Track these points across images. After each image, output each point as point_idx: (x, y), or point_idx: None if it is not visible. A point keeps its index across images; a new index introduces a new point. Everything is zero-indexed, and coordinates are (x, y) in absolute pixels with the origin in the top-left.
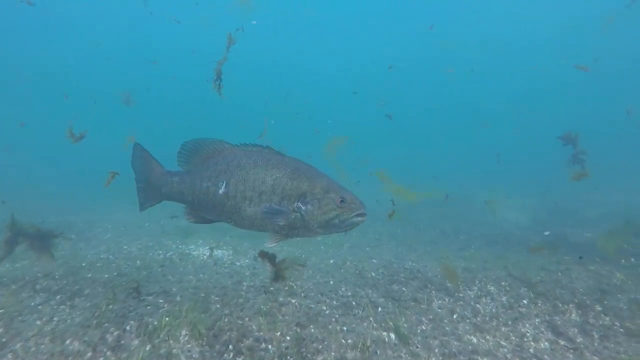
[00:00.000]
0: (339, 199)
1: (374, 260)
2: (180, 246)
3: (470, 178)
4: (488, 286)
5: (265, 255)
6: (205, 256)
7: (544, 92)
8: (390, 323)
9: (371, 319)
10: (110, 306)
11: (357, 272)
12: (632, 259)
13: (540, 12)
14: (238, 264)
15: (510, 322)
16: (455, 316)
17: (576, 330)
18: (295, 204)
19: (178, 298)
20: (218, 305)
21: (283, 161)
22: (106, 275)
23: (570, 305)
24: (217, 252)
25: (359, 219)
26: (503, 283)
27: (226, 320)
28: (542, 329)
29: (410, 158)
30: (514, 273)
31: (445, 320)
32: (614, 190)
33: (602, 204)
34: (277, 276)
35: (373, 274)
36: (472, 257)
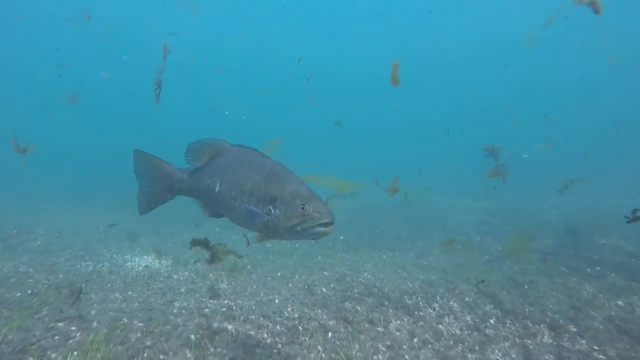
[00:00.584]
0: (300, 206)
1: (326, 273)
2: (114, 256)
3: (429, 180)
4: (450, 302)
5: (197, 242)
6: (140, 267)
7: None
8: (342, 354)
9: (320, 348)
10: (10, 336)
11: (306, 287)
12: (598, 268)
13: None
14: (175, 277)
15: (477, 348)
16: (415, 340)
17: (552, 357)
18: (268, 207)
19: (95, 324)
20: (139, 334)
21: (263, 163)
22: (18, 294)
23: (542, 326)
24: (155, 263)
25: (323, 229)
26: (467, 299)
27: (145, 355)
28: (514, 356)
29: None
30: (478, 286)
31: (405, 346)
32: (580, 195)
33: (559, 206)
34: (214, 258)
35: (324, 289)
36: (432, 267)
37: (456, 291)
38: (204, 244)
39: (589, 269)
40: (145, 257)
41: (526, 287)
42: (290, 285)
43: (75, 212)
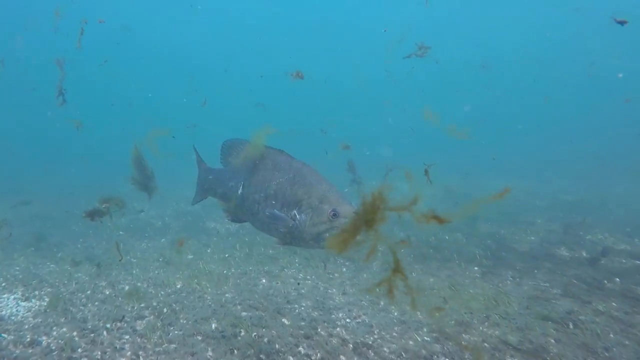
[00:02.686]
0: (331, 212)
1: (285, 320)
2: None
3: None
4: None
5: None
6: None
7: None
8: None
9: None
10: None
11: (251, 355)
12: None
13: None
14: (44, 341)
15: None
16: None
17: None
18: (293, 211)
19: None
20: None
21: (289, 164)
22: None
23: None
24: (18, 308)
25: None
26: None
27: None
28: None
29: None
30: (485, 329)
31: None
32: (516, 177)
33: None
34: None
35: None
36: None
37: (461, 340)
38: None
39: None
40: (4, 296)
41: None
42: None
43: None
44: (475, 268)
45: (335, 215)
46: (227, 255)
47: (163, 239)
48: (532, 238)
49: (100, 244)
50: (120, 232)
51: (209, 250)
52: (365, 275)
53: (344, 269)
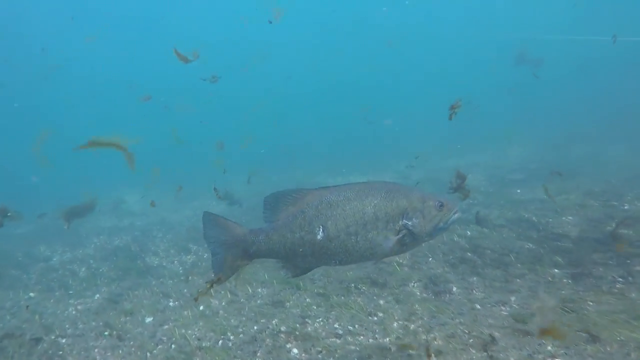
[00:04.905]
0: (438, 204)
1: None
2: None
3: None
4: None
5: None
6: None
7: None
8: None
9: None
10: None
11: None
12: None
13: None
14: None
15: None
16: None
17: None
18: (401, 222)
19: None
20: None
21: (372, 187)
22: None
23: None
24: None
25: (458, 214)
26: None
27: None
28: None
29: None
30: None
31: None
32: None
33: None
34: None
35: None
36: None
37: None
38: None
39: None
40: None
41: None
42: None
43: None
44: (556, 271)
45: (441, 205)
46: (204, 309)
47: (97, 295)
48: (570, 218)
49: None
50: (31, 294)
51: (171, 303)
52: (417, 306)
53: (381, 302)
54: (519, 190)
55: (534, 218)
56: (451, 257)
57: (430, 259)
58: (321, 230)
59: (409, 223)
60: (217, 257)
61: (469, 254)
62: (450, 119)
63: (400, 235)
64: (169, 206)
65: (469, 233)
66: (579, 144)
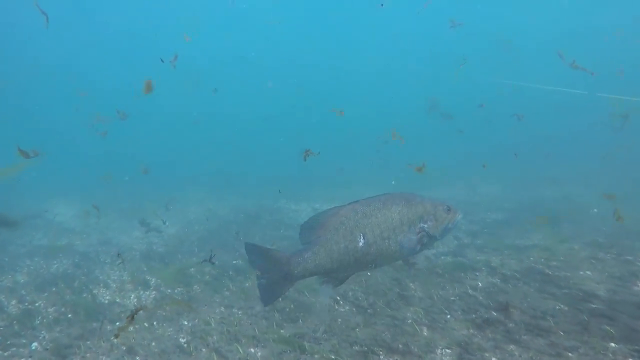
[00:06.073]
0: (446, 208)
1: None
2: None
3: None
4: None
5: None
6: None
7: None
8: None
9: None
10: None
11: None
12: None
13: None
14: None
15: None
16: None
17: None
18: (419, 225)
19: None
20: None
21: (393, 197)
22: None
23: None
24: None
25: (461, 215)
26: None
27: None
28: None
29: None
30: None
31: None
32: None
33: None
34: None
35: None
36: None
37: None
38: None
39: None
40: None
41: None
42: None
43: None
44: (612, 345)
45: (449, 209)
46: None
47: (34, 344)
48: (589, 273)
49: None
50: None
51: None
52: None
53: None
54: (508, 234)
55: (547, 270)
56: (474, 315)
57: (449, 316)
58: (362, 237)
59: (425, 225)
60: (263, 283)
61: (494, 313)
62: (304, 160)
63: (419, 236)
64: (113, 224)
65: (480, 284)
66: (546, 184)
